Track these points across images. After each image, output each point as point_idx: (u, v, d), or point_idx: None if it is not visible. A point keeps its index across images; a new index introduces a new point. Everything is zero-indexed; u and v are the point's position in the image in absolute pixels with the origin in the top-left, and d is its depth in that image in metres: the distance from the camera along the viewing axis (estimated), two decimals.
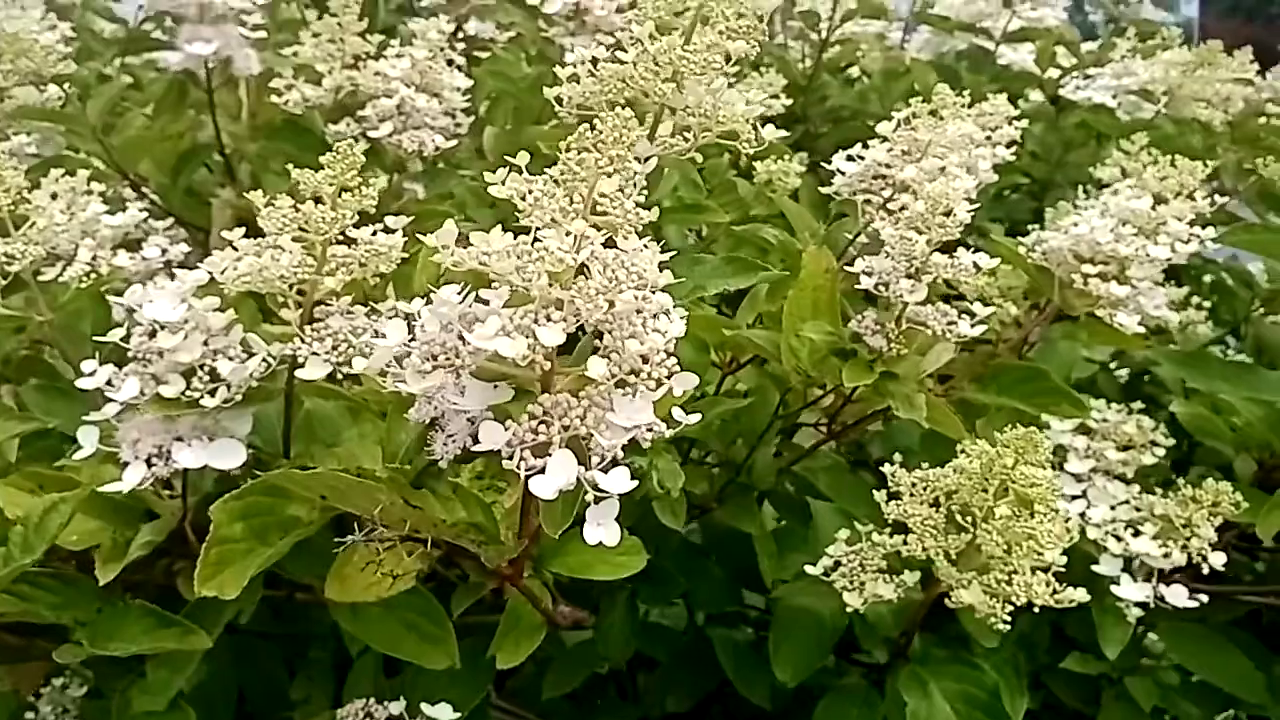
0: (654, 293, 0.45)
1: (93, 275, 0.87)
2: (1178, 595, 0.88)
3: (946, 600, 0.76)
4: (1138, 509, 0.91)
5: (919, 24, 1.98)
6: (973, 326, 0.78)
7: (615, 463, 0.46)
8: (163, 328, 0.65)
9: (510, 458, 0.45)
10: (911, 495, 0.77)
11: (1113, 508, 0.91)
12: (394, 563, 0.70)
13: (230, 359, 0.66)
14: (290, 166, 0.62)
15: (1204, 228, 0.93)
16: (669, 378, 0.45)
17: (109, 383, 0.66)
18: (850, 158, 0.95)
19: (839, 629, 0.97)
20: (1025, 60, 1.85)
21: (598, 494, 0.46)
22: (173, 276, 0.92)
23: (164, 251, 0.94)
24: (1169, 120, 1.69)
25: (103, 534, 0.76)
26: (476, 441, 0.49)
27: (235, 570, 0.63)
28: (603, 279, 0.43)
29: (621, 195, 0.44)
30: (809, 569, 0.84)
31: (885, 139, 0.93)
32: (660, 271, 0.45)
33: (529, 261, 0.43)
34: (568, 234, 0.44)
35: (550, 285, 0.43)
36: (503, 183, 0.46)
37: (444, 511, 0.61)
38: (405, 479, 0.64)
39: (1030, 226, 1.06)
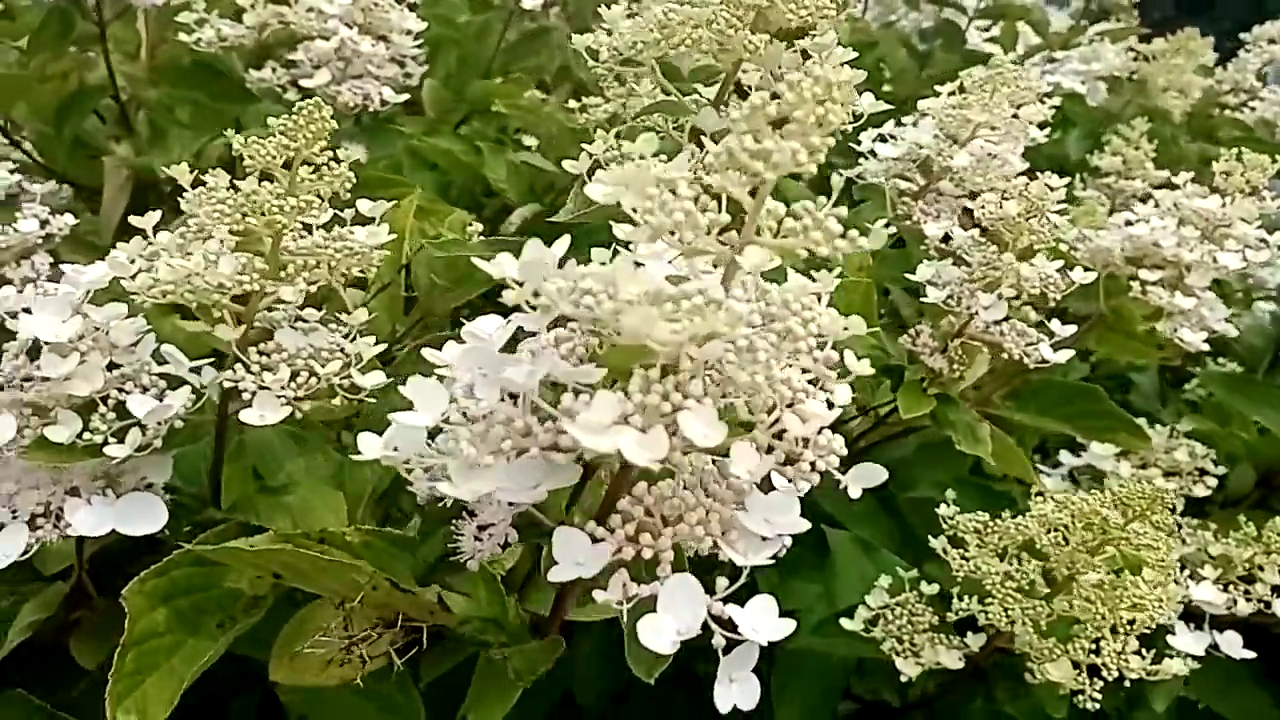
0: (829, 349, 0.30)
1: None
2: (1232, 644, 0.79)
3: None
4: (1191, 544, 0.81)
5: None
6: (1056, 350, 0.66)
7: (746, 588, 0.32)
8: (44, 348, 0.48)
9: (606, 588, 0.31)
10: (980, 546, 0.65)
11: None
12: (368, 649, 0.54)
13: (144, 389, 0.49)
14: (231, 132, 0.45)
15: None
16: (838, 469, 0.31)
17: None
18: (883, 138, 0.82)
19: (848, 671, 0.87)
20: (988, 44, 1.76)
21: (730, 638, 0.32)
22: (55, 258, 0.73)
23: (44, 223, 0.75)
24: (1140, 109, 1.63)
25: None
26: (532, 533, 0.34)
27: (159, 681, 0.47)
28: (772, 340, 0.28)
29: (813, 209, 0.29)
30: (845, 623, 0.72)
31: (925, 117, 0.81)
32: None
33: (679, 311, 0.27)
34: (729, 269, 0.29)
35: (693, 343, 0.28)
36: (616, 182, 0.30)
37: (452, 603, 0.46)
38: (391, 554, 0.49)
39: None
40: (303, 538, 0.50)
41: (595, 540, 0.31)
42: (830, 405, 0.31)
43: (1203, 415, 1.09)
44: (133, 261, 0.47)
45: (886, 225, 0.88)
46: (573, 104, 1.08)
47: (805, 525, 0.33)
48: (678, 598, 0.31)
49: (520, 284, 0.32)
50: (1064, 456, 0.94)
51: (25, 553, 0.49)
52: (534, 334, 0.35)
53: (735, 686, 0.33)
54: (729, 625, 0.32)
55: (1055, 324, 0.67)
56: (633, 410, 0.28)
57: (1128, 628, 0.62)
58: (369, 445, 0.36)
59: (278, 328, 0.52)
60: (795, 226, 0.28)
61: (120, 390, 0.49)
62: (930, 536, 0.75)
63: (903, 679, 0.68)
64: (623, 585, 0.31)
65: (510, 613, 0.47)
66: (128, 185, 0.89)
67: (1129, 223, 0.84)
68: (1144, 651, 0.63)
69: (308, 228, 0.45)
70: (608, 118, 1.08)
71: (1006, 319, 0.65)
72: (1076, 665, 0.62)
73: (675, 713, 1.01)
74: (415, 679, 0.64)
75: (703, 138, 0.52)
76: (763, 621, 0.32)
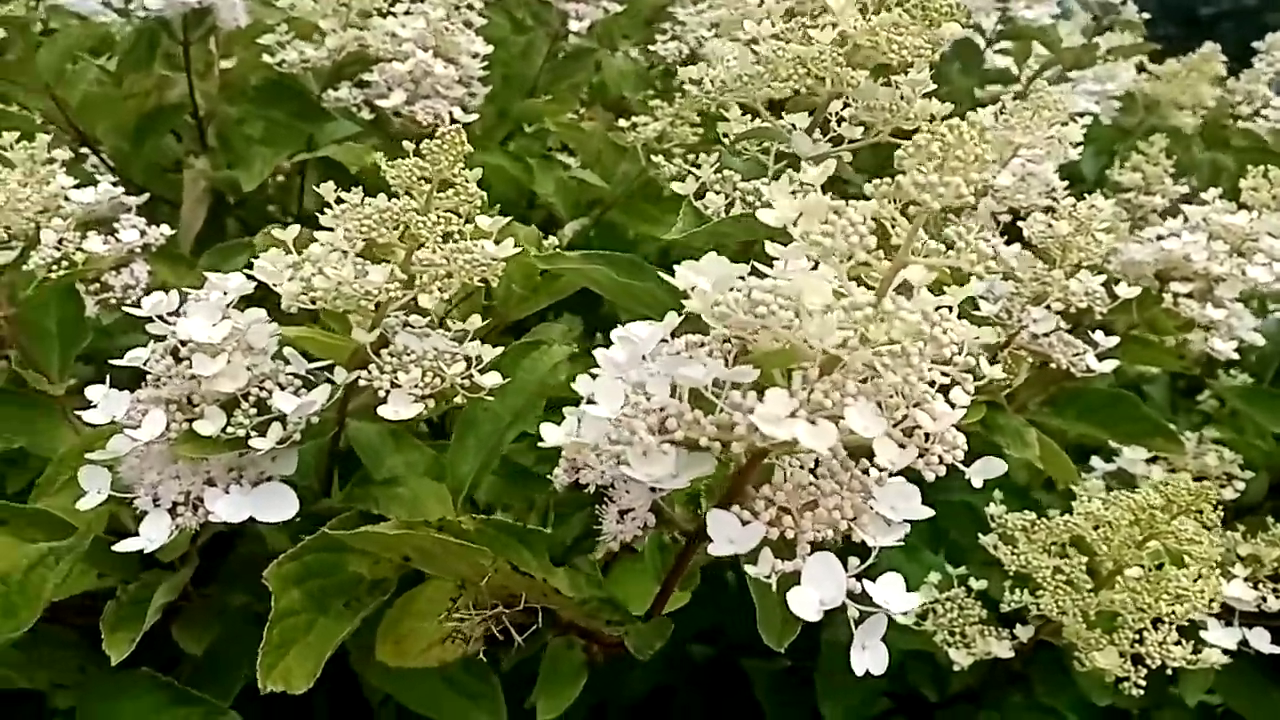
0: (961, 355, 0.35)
1: (64, 263, 0.71)
2: (1261, 639, 0.83)
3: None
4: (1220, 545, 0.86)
5: None
6: (1101, 360, 0.70)
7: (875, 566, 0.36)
8: (193, 348, 0.52)
9: (753, 561, 0.35)
10: (1030, 541, 0.69)
11: None
12: (474, 629, 0.58)
13: (282, 388, 0.53)
14: (381, 155, 0.49)
15: None
16: (963, 462, 0.36)
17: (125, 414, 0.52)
18: None
19: (892, 671, 0.91)
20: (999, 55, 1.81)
21: (863, 609, 0.36)
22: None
23: (142, 234, 0.79)
24: (1153, 127, 1.67)
25: (84, 579, 0.62)
26: (661, 519, 0.39)
27: (299, 656, 0.51)
28: (920, 346, 0.33)
29: (964, 234, 0.34)
30: (898, 618, 0.76)
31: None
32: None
33: (845, 318, 0.32)
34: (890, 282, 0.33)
35: (859, 348, 0.32)
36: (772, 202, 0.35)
37: (569, 586, 0.50)
38: (504, 540, 0.53)
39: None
40: (423, 525, 0.54)
41: (744, 522, 0.36)
42: (953, 405, 0.36)
43: (1219, 425, 1.14)
44: (280, 270, 0.51)
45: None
46: (622, 123, 1.14)
47: (929, 512, 0.37)
48: (821, 573, 0.35)
49: (691, 293, 0.36)
50: (1095, 461, 0.99)
51: (168, 539, 0.53)
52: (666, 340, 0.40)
53: (867, 653, 0.37)
54: (864, 598, 0.36)
55: (1099, 335, 0.72)
56: (798, 405, 0.32)
57: (1172, 618, 0.66)
58: (551, 434, 0.41)
59: (393, 332, 0.56)
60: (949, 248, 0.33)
61: (259, 388, 0.53)
62: (958, 537, 0.79)
63: (954, 668, 0.72)
64: (771, 562, 0.35)
65: (623, 596, 0.51)
66: (205, 198, 0.94)
67: (1160, 237, 0.89)
68: (1184, 642, 0.68)
69: (446, 238, 0.50)
70: (656, 136, 1.13)
71: (1055, 331, 0.70)
72: (1121, 654, 0.66)
73: (722, 706, 1.06)
74: (495, 668, 0.69)
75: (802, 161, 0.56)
76: (894, 595, 0.36)
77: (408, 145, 0.51)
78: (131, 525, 0.62)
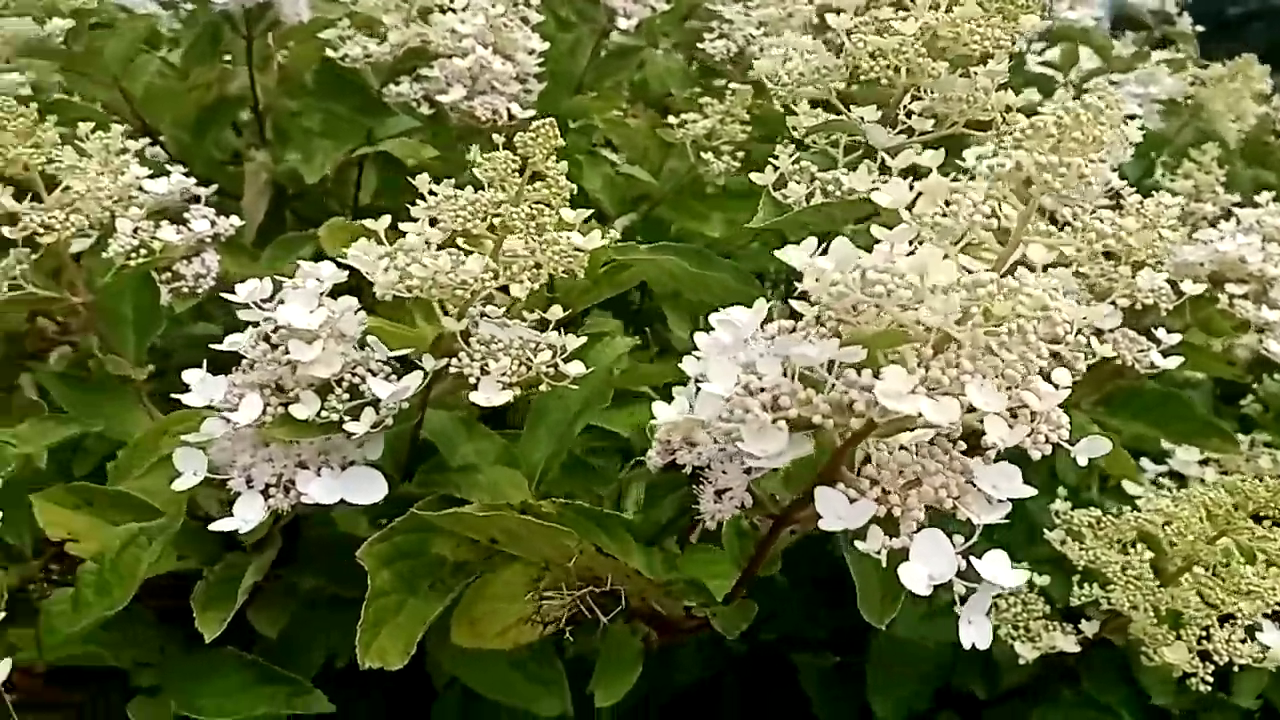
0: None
1: (142, 251, 0.73)
2: None
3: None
4: None
5: None
6: (1166, 357, 0.71)
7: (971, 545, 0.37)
8: (289, 334, 0.53)
9: (861, 536, 0.36)
10: (1097, 537, 0.70)
11: None
12: (554, 613, 0.59)
13: (373, 374, 0.54)
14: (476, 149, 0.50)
15: None
16: (1068, 442, 0.37)
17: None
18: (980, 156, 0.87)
19: (944, 665, 0.91)
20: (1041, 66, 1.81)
21: (967, 585, 0.37)
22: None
23: (212, 224, 0.81)
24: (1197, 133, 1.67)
25: (168, 560, 0.64)
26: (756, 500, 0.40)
27: (391, 634, 0.52)
28: (1035, 325, 0.33)
29: (1081, 214, 0.35)
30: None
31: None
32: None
33: (968, 296, 0.32)
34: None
35: (978, 326, 0.33)
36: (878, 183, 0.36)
37: (650, 569, 0.51)
38: (585, 524, 0.54)
39: None
40: (506, 508, 0.55)
41: (851, 500, 0.37)
42: (1056, 386, 0.37)
43: (1263, 429, 1.13)
44: (374, 259, 0.52)
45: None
46: (671, 119, 1.15)
47: (1031, 491, 0.38)
48: (929, 549, 0.36)
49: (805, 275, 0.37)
50: (1146, 463, 0.99)
51: (262, 519, 0.54)
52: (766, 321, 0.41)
53: (973, 628, 0.38)
54: (971, 575, 0.37)
55: (1161, 332, 0.72)
56: (918, 382, 0.33)
57: (1240, 614, 0.66)
58: (663, 412, 0.42)
59: (474, 321, 0.57)
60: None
61: (351, 374, 0.54)
62: (1003, 536, 0.79)
63: (1019, 662, 0.72)
64: (880, 538, 0.36)
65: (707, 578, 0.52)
66: (267, 190, 0.95)
67: (1212, 240, 0.89)
68: (1249, 640, 0.68)
69: (539, 229, 0.51)
70: (706, 133, 1.14)
71: (1120, 328, 0.70)
72: (1190, 650, 0.66)
73: (767, 699, 1.06)
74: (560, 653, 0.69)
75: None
76: (1000, 571, 0.37)
77: (497, 138, 0.52)
78: (211, 508, 0.63)
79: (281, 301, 0.52)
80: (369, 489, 0.55)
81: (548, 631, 0.62)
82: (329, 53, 0.90)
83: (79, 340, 0.79)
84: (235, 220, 0.81)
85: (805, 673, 0.99)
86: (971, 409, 0.33)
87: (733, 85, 1.16)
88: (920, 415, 0.33)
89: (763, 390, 0.35)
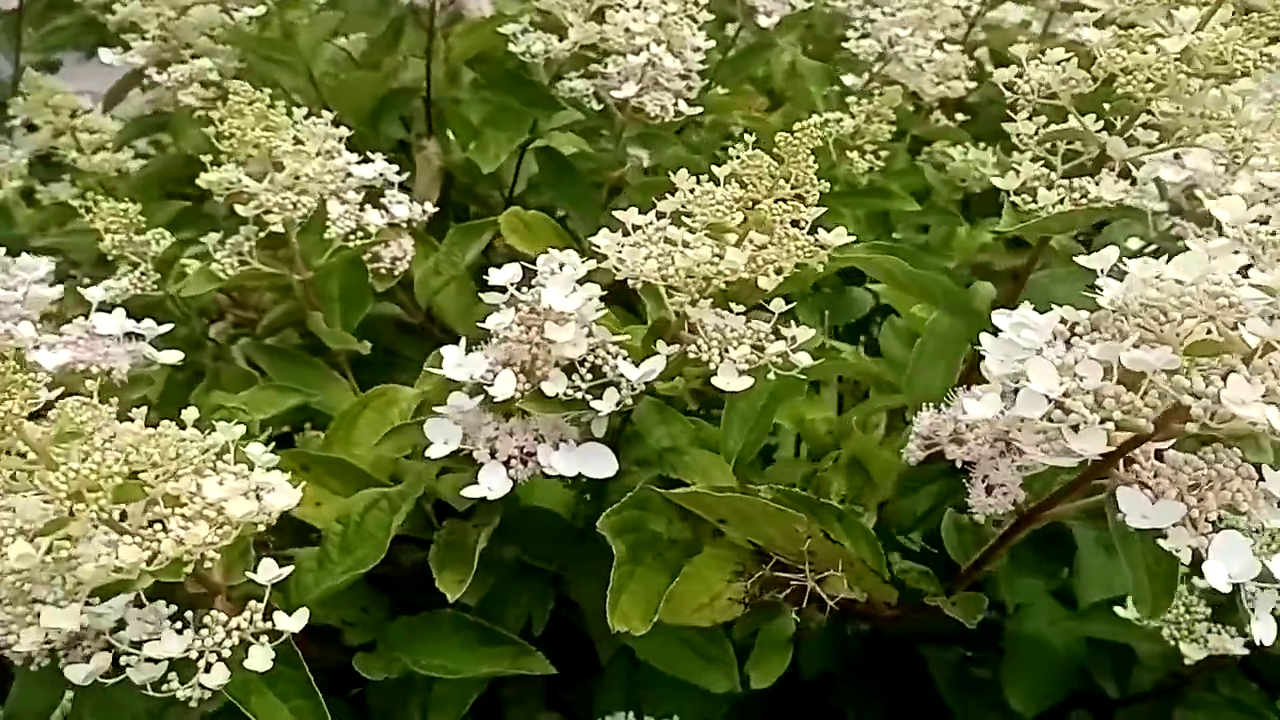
0: None
1: (359, 233, 0.77)
2: None
3: None
4: None
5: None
6: None
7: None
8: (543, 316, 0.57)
9: (1165, 535, 0.38)
10: None
11: None
12: (743, 594, 0.62)
13: (615, 356, 0.58)
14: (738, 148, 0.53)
15: None
16: None
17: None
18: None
19: (1075, 660, 0.93)
20: None
21: (1260, 584, 0.39)
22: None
23: (409, 209, 0.85)
24: None
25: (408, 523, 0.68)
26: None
27: (630, 601, 0.56)
28: None
29: None
30: (1121, 611, 0.79)
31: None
32: None
33: None
34: None
35: None
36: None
37: (874, 559, 0.54)
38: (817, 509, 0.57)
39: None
40: (739, 490, 0.58)
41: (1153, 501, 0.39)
42: None
43: None
44: (622, 248, 0.56)
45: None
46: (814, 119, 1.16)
47: None
48: (1229, 549, 0.38)
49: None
50: None
51: (508, 488, 0.58)
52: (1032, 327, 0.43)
53: (1260, 624, 0.40)
54: (1267, 576, 0.39)
55: None
56: (1263, 390, 0.36)
57: None
58: (974, 408, 0.44)
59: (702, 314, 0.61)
60: None
61: (596, 357, 0.58)
62: None
63: (1185, 662, 0.74)
64: (1185, 538, 0.39)
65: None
66: (439, 178, 1.00)
67: None
68: None
69: (795, 224, 0.54)
70: (851, 132, 1.16)
71: None
72: None
73: (888, 690, 1.08)
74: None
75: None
76: None
77: (749, 138, 0.55)
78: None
79: (543, 286, 0.56)
80: (603, 464, 0.59)
81: (740, 612, 0.65)
82: (510, 48, 0.94)
83: (277, 316, 0.84)
84: (429, 206, 0.85)
85: (935, 665, 1.01)
86: None
87: (879, 86, 1.18)
88: (1266, 422, 0.35)
89: (1085, 393, 0.38)
